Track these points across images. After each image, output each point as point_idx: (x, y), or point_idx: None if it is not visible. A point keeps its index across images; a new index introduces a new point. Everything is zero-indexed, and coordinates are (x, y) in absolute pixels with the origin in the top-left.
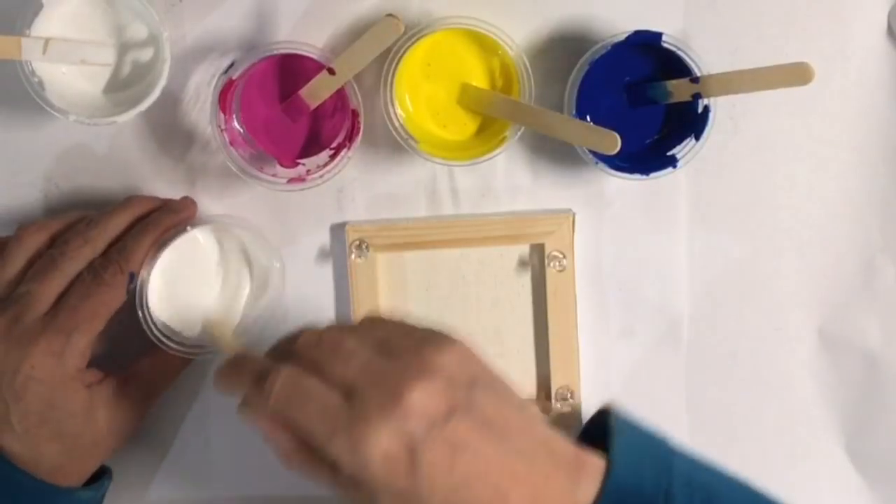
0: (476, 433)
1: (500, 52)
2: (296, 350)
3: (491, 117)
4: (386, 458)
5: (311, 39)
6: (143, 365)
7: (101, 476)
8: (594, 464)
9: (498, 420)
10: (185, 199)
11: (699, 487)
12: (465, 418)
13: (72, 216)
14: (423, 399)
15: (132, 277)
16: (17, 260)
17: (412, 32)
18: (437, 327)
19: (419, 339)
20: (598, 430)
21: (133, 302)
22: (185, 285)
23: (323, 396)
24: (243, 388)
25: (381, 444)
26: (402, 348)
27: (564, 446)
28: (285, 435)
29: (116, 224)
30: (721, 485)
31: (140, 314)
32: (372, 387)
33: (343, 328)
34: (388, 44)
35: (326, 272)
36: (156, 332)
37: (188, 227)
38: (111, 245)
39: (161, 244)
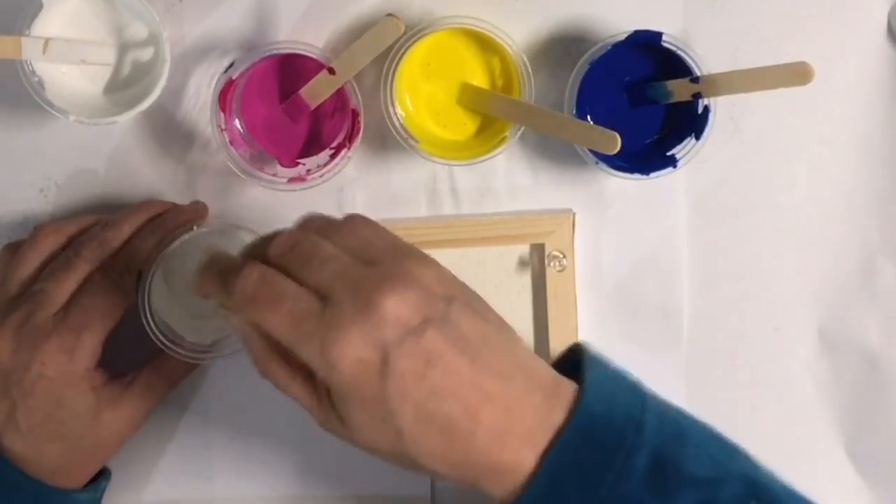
0: (450, 346)
1: (500, 51)
2: (270, 252)
3: (491, 117)
4: (357, 362)
5: (311, 39)
6: (148, 369)
7: (98, 476)
8: (569, 389)
9: (474, 337)
10: (196, 202)
11: (670, 421)
12: (440, 330)
13: (87, 220)
14: (398, 307)
15: (140, 276)
16: (33, 260)
17: (412, 32)
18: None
19: (400, 250)
20: (571, 366)
21: (140, 308)
22: (188, 289)
23: (296, 298)
24: (216, 288)
25: (353, 349)
26: (382, 256)
27: (542, 370)
28: (257, 337)
29: (130, 226)
30: (689, 423)
31: (144, 319)
32: (347, 292)
33: (323, 229)
34: (389, 43)
35: None
36: (160, 336)
37: (194, 227)
38: (122, 247)
39: (165, 244)
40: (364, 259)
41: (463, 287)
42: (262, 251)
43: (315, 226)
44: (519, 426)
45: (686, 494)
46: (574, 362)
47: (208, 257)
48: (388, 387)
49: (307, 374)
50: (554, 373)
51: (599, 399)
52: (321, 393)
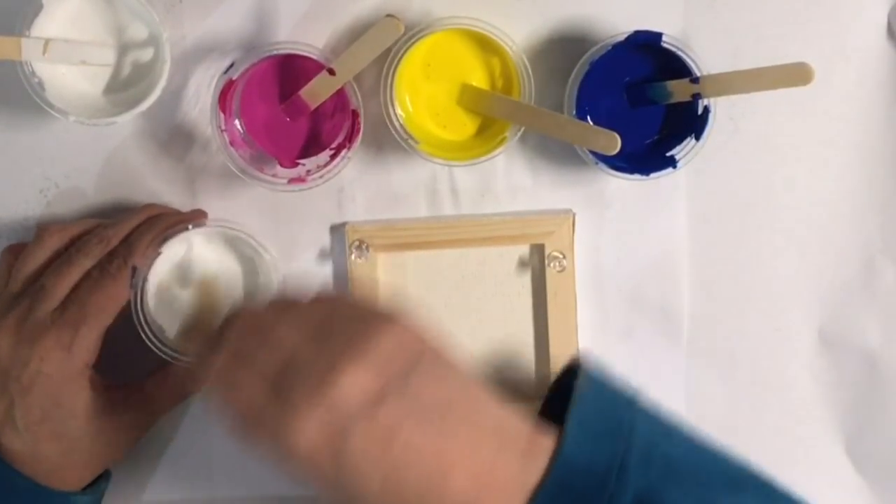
0: (410, 417)
1: (500, 52)
2: (229, 338)
3: (491, 117)
4: (312, 447)
5: (311, 40)
6: (151, 383)
7: (97, 479)
8: (547, 442)
9: (437, 402)
10: (197, 210)
11: (658, 458)
12: (397, 403)
13: (91, 222)
14: (351, 385)
15: (134, 272)
16: (37, 258)
17: (412, 33)
18: (385, 305)
19: (359, 321)
20: (565, 394)
21: (133, 308)
22: (185, 292)
23: (251, 385)
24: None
25: (306, 434)
26: (339, 331)
27: (516, 426)
28: (228, 413)
29: (131, 227)
30: (683, 453)
31: (138, 323)
32: (299, 374)
33: (281, 310)
34: (388, 44)
35: (326, 272)
36: (157, 343)
37: (189, 227)
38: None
39: (160, 241)
40: (320, 336)
41: (427, 346)
42: (226, 332)
43: (277, 305)
44: (492, 490)
45: None
46: (568, 387)
47: (186, 327)
48: (347, 467)
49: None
50: (528, 426)
51: (580, 446)
52: (289, 470)
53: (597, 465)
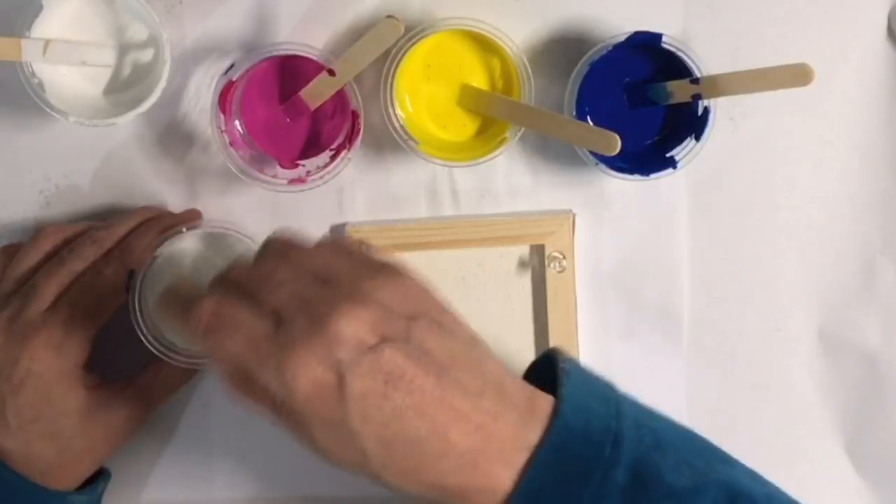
0: (413, 365)
1: (500, 53)
2: (228, 278)
3: (491, 118)
4: (314, 385)
5: (311, 40)
6: (144, 376)
7: (95, 479)
8: (545, 404)
9: (440, 354)
10: (191, 210)
11: (648, 432)
12: (400, 349)
13: (87, 224)
14: (353, 326)
15: (131, 274)
16: (30, 259)
17: (412, 33)
18: (391, 260)
19: (363, 268)
20: (544, 375)
21: (130, 310)
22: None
23: (250, 325)
24: (176, 318)
25: (307, 371)
26: (342, 276)
27: (517, 386)
28: (220, 363)
29: (125, 228)
30: (669, 430)
31: (136, 324)
32: (300, 314)
33: (281, 251)
34: (389, 45)
35: None
36: (154, 342)
37: (184, 229)
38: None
39: (156, 244)
40: (322, 279)
41: (432, 300)
42: (224, 277)
43: (277, 247)
44: (492, 445)
45: None
46: (548, 369)
47: (167, 287)
48: (348, 408)
49: (273, 396)
50: (528, 388)
51: (575, 413)
52: (286, 414)
53: (592, 432)
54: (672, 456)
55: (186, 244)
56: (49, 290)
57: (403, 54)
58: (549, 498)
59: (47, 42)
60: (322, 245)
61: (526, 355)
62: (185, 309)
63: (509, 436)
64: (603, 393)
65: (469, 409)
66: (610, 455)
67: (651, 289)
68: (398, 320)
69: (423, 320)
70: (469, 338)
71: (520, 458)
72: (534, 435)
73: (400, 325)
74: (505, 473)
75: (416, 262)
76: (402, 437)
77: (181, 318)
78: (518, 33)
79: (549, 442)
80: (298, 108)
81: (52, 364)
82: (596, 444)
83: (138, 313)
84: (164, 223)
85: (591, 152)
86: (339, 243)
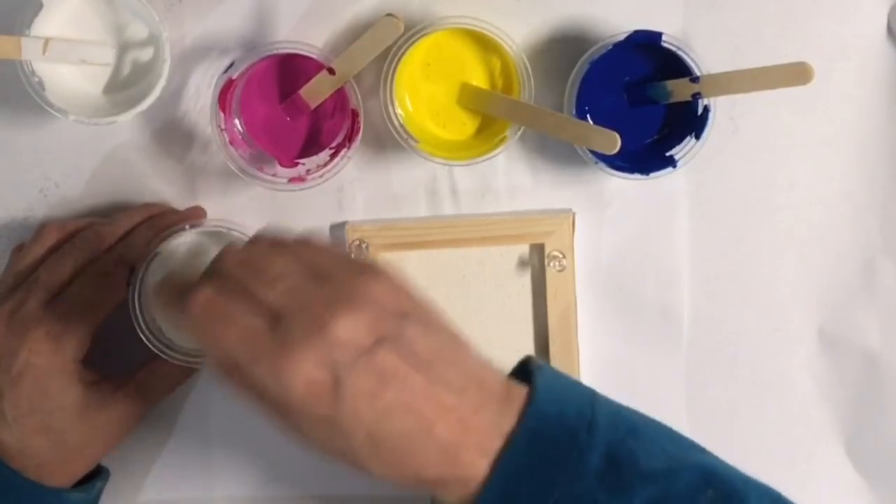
0: (404, 363)
1: (499, 51)
2: (221, 269)
3: (491, 117)
4: (309, 385)
5: (310, 39)
6: (142, 373)
7: (93, 477)
8: (521, 393)
9: (428, 352)
10: (195, 207)
11: (623, 421)
12: (393, 348)
13: (90, 220)
14: (350, 327)
15: (132, 271)
16: (33, 254)
17: (412, 32)
18: (370, 260)
19: (352, 267)
20: (521, 378)
21: (130, 307)
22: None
23: (245, 320)
24: (170, 307)
25: (304, 372)
26: (334, 274)
27: (495, 378)
28: (213, 354)
29: (127, 223)
30: (644, 422)
31: (135, 321)
32: (298, 312)
33: (272, 245)
34: (388, 43)
35: None
36: (153, 339)
37: (186, 227)
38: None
39: (158, 241)
40: (316, 276)
41: (417, 299)
42: (218, 266)
43: (267, 240)
44: (473, 437)
45: (642, 489)
46: (525, 372)
47: (163, 276)
48: (341, 408)
49: (263, 390)
50: (506, 379)
51: (550, 400)
52: (275, 408)
53: (567, 418)
54: (647, 442)
55: (188, 242)
56: (51, 283)
57: (403, 53)
58: (523, 481)
59: (47, 41)
60: (310, 241)
61: (526, 354)
62: (179, 298)
63: (488, 426)
64: (577, 386)
65: (454, 403)
66: (585, 439)
67: (651, 288)
68: (390, 319)
69: (411, 318)
70: (451, 334)
71: (496, 446)
72: (509, 422)
73: (392, 325)
74: (482, 462)
75: (416, 261)
76: (390, 433)
77: (175, 307)
78: (518, 32)
79: (524, 427)
80: (298, 106)
81: (50, 357)
82: (570, 429)
83: (138, 310)
84: (167, 221)
85: (591, 151)
86: (323, 241)
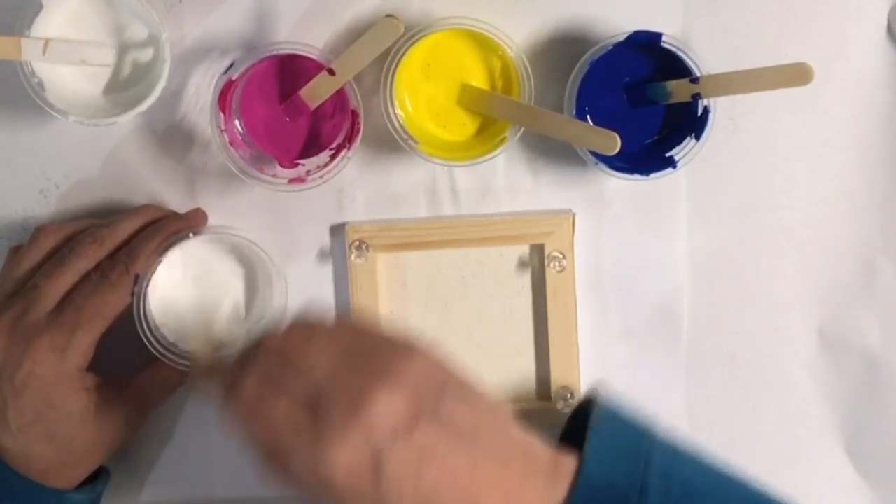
0: (443, 440)
1: (500, 52)
2: (259, 359)
3: (491, 118)
4: (350, 470)
5: (310, 40)
6: (143, 376)
7: (95, 478)
8: (569, 464)
9: (467, 425)
10: (197, 210)
11: (677, 482)
12: (431, 425)
13: (87, 222)
14: (387, 408)
15: (137, 279)
16: (31, 259)
17: (412, 33)
18: (404, 334)
19: (387, 346)
20: (582, 421)
21: (135, 313)
22: (185, 296)
23: (284, 411)
24: (214, 398)
25: (344, 457)
26: (368, 357)
27: (540, 448)
28: (253, 444)
29: (127, 227)
30: (702, 478)
31: (140, 327)
32: (334, 398)
33: (307, 332)
34: (388, 44)
35: (326, 273)
36: (156, 344)
37: (190, 234)
38: (120, 248)
39: (163, 248)
40: (350, 361)
41: (452, 373)
42: (254, 355)
43: (303, 326)
44: None
45: None
46: (586, 415)
47: (201, 368)
48: (384, 489)
49: (307, 479)
50: (551, 450)
51: (601, 468)
52: (320, 495)
53: (618, 486)
54: None
55: (191, 249)
56: (53, 291)
57: (403, 54)
58: None
59: (47, 41)
60: (345, 322)
61: (526, 355)
62: (220, 391)
63: (536, 499)
64: (631, 443)
65: (498, 477)
66: None
67: (651, 289)
68: (427, 397)
69: (448, 394)
70: (490, 405)
71: None
72: (559, 495)
73: (429, 402)
74: None
75: (416, 261)
76: None
77: (214, 402)
78: (518, 33)
79: (574, 499)
80: (298, 107)
81: (54, 367)
82: (621, 497)
83: (143, 317)
84: (170, 228)
85: (591, 152)
86: (360, 321)
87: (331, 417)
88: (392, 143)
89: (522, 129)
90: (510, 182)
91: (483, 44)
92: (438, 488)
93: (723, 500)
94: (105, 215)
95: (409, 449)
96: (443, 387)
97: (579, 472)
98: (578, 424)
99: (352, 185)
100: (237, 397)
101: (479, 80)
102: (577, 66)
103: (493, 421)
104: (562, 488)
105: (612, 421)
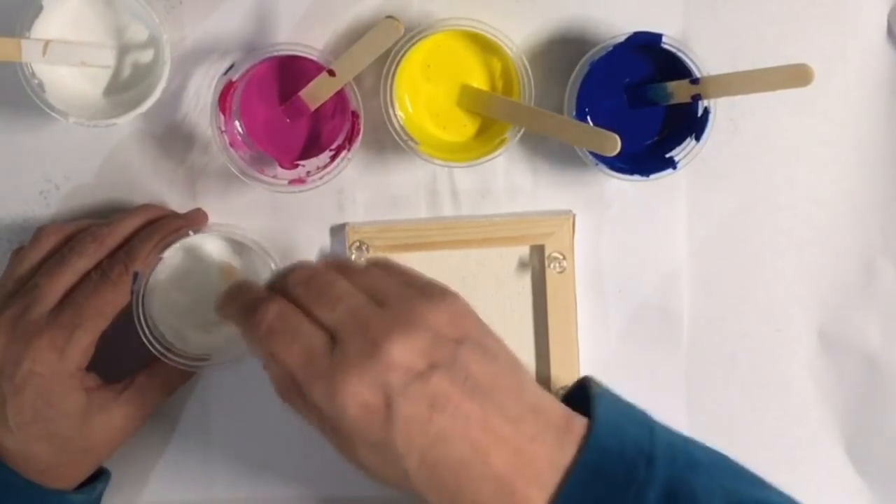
0: (458, 390)
1: (499, 53)
2: (287, 285)
3: (491, 119)
4: (362, 407)
5: (310, 41)
6: (143, 376)
7: (95, 479)
8: (580, 425)
9: (484, 378)
10: (197, 210)
11: (682, 454)
12: (447, 374)
13: (88, 222)
14: (404, 352)
15: (136, 277)
16: (31, 258)
17: (412, 34)
18: (435, 282)
19: (413, 291)
20: (579, 400)
21: (134, 312)
22: (185, 296)
23: (305, 339)
24: (237, 317)
25: (357, 394)
26: (394, 298)
27: (554, 408)
28: (275, 366)
29: (126, 227)
30: (701, 454)
31: (138, 323)
32: (354, 334)
33: (339, 268)
34: (388, 45)
35: None
36: (155, 343)
37: (190, 232)
38: (120, 247)
39: (163, 246)
40: (377, 300)
41: (476, 324)
42: (282, 282)
43: (334, 263)
44: (529, 468)
45: None
46: (582, 395)
47: (230, 285)
48: (393, 431)
49: (320, 411)
50: (565, 409)
51: (609, 433)
52: (331, 429)
53: (626, 452)
54: (705, 477)
55: (191, 247)
56: (53, 290)
57: (403, 55)
58: None
59: (47, 42)
60: (375, 264)
61: (526, 356)
62: (244, 313)
63: (546, 458)
64: (636, 416)
65: (510, 432)
66: (644, 474)
67: (651, 289)
68: (446, 344)
69: (468, 344)
70: (510, 360)
71: (554, 479)
72: (568, 455)
73: (447, 350)
74: (539, 495)
75: (416, 262)
76: (445, 460)
77: (240, 322)
78: (518, 33)
79: (583, 462)
80: (298, 108)
81: (54, 366)
82: (629, 463)
83: (142, 316)
84: (170, 226)
85: (591, 153)
86: (389, 263)
87: (348, 354)
88: (392, 144)
89: (522, 130)
90: (510, 183)
91: (483, 45)
92: (447, 437)
93: (729, 472)
94: (105, 216)
95: (422, 395)
96: (463, 337)
97: (589, 434)
98: (574, 402)
99: (352, 185)
100: (262, 318)
101: (479, 81)
102: (578, 66)
103: (510, 377)
104: (570, 449)
105: (612, 394)
